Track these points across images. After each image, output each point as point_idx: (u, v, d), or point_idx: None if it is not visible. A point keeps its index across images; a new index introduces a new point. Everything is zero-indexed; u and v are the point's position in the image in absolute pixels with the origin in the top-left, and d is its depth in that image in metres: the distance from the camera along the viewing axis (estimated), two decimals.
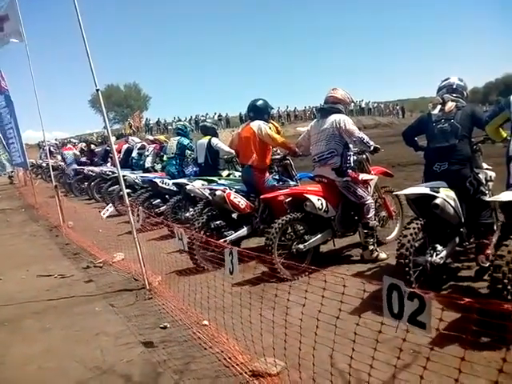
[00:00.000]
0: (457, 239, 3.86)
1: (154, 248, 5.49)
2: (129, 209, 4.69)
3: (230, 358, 2.95)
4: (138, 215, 4.84)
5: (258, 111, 5.54)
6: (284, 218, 4.54)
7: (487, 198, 3.69)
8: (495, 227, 3.91)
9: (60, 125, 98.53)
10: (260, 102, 5.57)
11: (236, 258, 2.83)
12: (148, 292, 4.56)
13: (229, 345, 3.11)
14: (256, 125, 5.39)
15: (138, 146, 11.63)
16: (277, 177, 5.79)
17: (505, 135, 3.63)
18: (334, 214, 4.79)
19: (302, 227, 4.76)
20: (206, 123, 7.75)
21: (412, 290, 1.70)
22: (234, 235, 5.31)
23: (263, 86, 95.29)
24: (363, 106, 47.84)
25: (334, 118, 4.77)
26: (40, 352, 3.52)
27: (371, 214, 4.82)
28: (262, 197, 5.22)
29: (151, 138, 12.90)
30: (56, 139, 33.58)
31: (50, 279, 5.52)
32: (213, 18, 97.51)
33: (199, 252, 4.94)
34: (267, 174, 5.55)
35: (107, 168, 12.64)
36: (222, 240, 4.89)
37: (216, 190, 5.44)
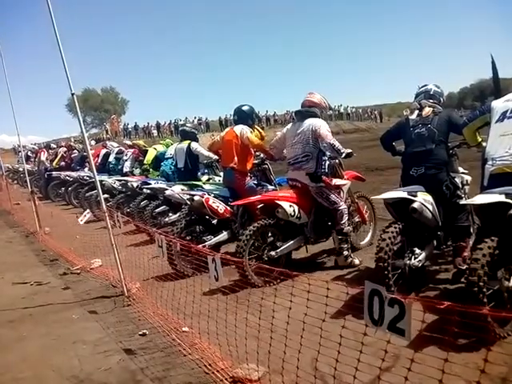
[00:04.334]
0: (434, 242, 3.92)
1: (133, 254, 5.41)
2: (106, 214, 4.62)
3: (210, 365, 2.92)
4: (118, 221, 4.79)
5: (243, 116, 5.69)
6: (255, 224, 4.53)
7: (463, 202, 3.75)
8: (472, 230, 3.98)
9: (35, 129, 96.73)
10: (245, 108, 5.73)
11: (219, 265, 2.82)
12: (126, 299, 4.50)
13: (209, 351, 3.08)
14: (239, 129, 5.52)
15: (116, 150, 11.58)
16: (255, 181, 5.81)
17: (479, 140, 3.71)
18: (307, 220, 4.79)
19: (273, 234, 4.72)
20: (185, 128, 7.74)
21: (393, 296, 1.71)
22: (213, 240, 5.30)
23: (243, 90, 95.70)
24: (342, 110, 48.35)
25: (310, 121, 4.80)
26: (15, 361, 3.42)
27: (344, 219, 4.83)
28: (233, 203, 5.26)
29: (129, 142, 12.81)
30: (35, 143, 32.90)
31: (25, 287, 5.39)
32: (191, 22, 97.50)
33: (178, 257, 4.91)
34: (248, 178, 5.61)
35: (84, 173, 12.42)
36: (201, 245, 4.83)
37: (194, 195, 5.41)
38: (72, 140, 17.91)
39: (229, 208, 5.42)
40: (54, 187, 14.14)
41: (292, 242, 4.73)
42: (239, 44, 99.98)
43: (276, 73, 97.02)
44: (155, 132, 41.48)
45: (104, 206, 4.74)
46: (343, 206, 4.86)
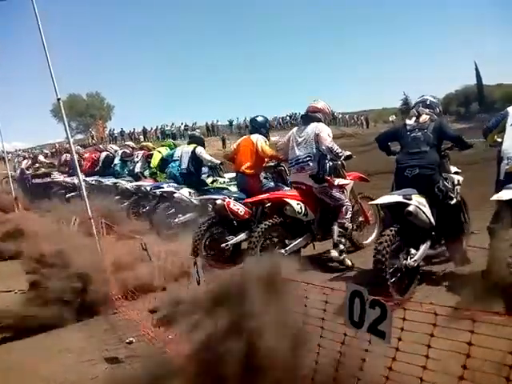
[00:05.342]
0: (429, 242, 4.11)
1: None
2: (92, 220, 4.58)
3: None
4: (102, 227, 4.75)
5: (257, 125, 6.24)
6: (265, 223, 4.76)
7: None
8: (465, 228, 4.34)
9: (19, 135, 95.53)
10: (260, 118, 6.35)
11: (201, 268, 2.81)
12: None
13: None
14: (255, 137, 5.97)
15: (120, 153, 11.35)
16: (272, 183, 6.11)
17: (497, 139, 4.12)
18: (313, 217, 5.02)
19: (282, 232, 4.91)
20: (194, 133, 8.93)
21: (374, 297, 1.73)
22: (234, 240, 5.42)
23: (230, 96, 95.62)
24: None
25: (313, 125, 5.12)
26: (0, 371, 3.35)
27: (348, 215, 5.06)
28: (244, 201, 5.53)
29: (132, 144, 12.77)
30: (20, 150, 32.49)
31: (9, 295, 5.28)
32: (176, 28, 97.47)
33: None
34: (260, 180, 6.01)
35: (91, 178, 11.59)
36: (224, 244, 5.24)
37: (216, 199, 5.79)
38: (57, 146, 17.72)
39: (248, 209, 5.64)
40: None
41: (300, 239, 4.94)
42: (226, 50, 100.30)
43: (263, 79, 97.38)
44: (142, 138, 41.18)
45: (89, 212, 4.70)
46: (348, 203, 5.11)
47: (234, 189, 6.56)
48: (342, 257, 4.90)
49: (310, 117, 5.26)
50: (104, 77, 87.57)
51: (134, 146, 12.29)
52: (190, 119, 45.01)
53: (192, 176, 7.50)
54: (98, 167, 11.74)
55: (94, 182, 11.07)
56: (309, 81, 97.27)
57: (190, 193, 7.21)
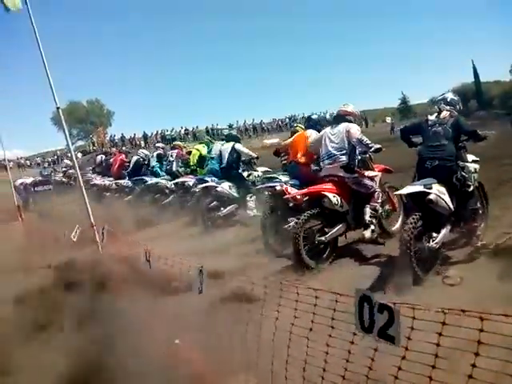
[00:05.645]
0: (449, 226, 4.55)
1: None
2: (94, 228, 4.57)
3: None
4: (102, 234, 4.73)
5: (313, 122, 7.14)
6: (307, 213, 5.22)
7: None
8: (481, 212, 4.91)
9: (20, 143, 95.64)
10: (314, 116, 7.57)
11: (205, 277, 2.80)
12: None
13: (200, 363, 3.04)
14: (309, 132, 6.74)
15: (155, 155, 11.93)
16: None
17: None
18: (348, 208, 5.46)
19: (322, 221, 5.38)
20: (231, 132, 9.84)
21: (381, 302, 1.71)
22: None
23: (230, 99, 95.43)
24: (328, 117, 48.49)
25: (345, 124, 5.72)
26: None
27: (379, 200, 5.60)
28: (286, 196, 6.05)
29: (162, 145, 13.79)
30: (21, 157, 32.63)
31: None
32: (175, 31, 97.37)
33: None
34: (311, 168, 6.44)
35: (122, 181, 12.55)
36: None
37: (275, 185, 6.47)
38: (58, 153, 17.97)
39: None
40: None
41: (337, 227, 5.39)
42: (224, 53, 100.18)
43: (262, 80, 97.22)
44: (142, 143, 41.17)
45: (92, 219, 4.70)
46: (378, 190, 5.64)
47: (283, 178, 7.02)
48: (374, 236, 5.38)
49: (341, 117, 5.85)
50: (103, 83, 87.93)
51: (164, 146, 13.53)
52: (190, 123, 44.68)
53: (232, 171, 8.36)
54: (129, 170, 12.44)
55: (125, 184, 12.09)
56: (308, 82, 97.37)
57: (230, 186, 8.13)
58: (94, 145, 41.70)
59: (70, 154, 5.08)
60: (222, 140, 9.16)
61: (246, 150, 8.70)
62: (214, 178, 8.50)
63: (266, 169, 9.08)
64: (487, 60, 77.62)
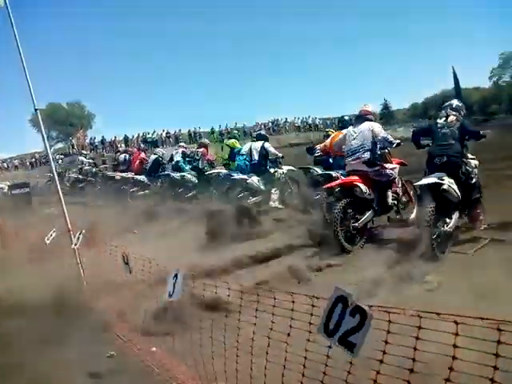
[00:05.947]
0: (458, 213, 5.38)
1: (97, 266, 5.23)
2: (71, 232, 4.49)
3: None
4: (78, 238, 4.62)
5: (346, 122, 7.89)
6: (343, 201, 5.90)
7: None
8: (482, 200, 5.79)
9: None
10: (347, 117, 8.23)
11: (180, 282, 2.76)
12: None
13: (179, 371, 3.01)
14: (345, 131, 6.94)
15: (180, 151, 12.69)
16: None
17: None
18: (373, 197, 6.16)
19: (354, 209, 6.05)
20: (261, 132, 10.96)
21: (358, 304, 1.65)
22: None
23: (213, 103, 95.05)
24: (309, 122, 48.66)
25: (367, 123, 6.41)
26: None
27: (400, 185, 6.61)
28: (324, 186, 6.69)
29: (184, 144, 15.05)
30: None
31: None
32: (157, 34, 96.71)
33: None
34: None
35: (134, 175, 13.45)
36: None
37: (331, 173, 7.49)
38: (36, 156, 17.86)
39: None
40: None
41: (367, 214, 6.11)
42: (208, 55, 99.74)
43: (244, 85, 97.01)
44: (123, 146, 40.72)
45: (69, 224, 4.61)
46: (398, 176, 6.59)
47: (318, 170, 8.32)
48: (398, 216, 6.53)
49: (363, 117, 6.48)
50: (84, 85, 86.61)
51: (186, 145, 14.87)
52: (172, 127, 44.39)
53: (261, 167, 9.41)
54: (148, 167, 13.30)
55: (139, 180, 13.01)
56: (288, 85, 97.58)
57: (258, 180, 9.24)
58: (73, 147, 41.10)
59: (49, 157, 4.98)
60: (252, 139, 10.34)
61: (273, 150, 9.68)
62: (239, 174, 9.41)
63: (291, 167, 10.06)
64: (467, 67, 79.17)
